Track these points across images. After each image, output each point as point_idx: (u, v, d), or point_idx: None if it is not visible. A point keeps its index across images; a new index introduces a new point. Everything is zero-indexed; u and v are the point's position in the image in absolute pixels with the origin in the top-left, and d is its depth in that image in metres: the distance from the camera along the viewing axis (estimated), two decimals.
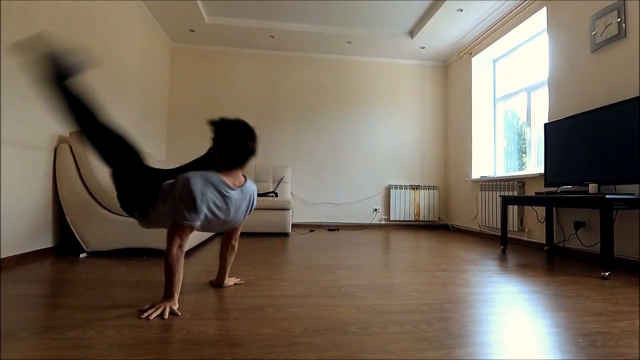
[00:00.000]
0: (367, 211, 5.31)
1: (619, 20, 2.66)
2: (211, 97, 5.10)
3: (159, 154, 4.73)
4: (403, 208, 5.25)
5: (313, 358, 1.04)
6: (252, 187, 1.62)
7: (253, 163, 5.05)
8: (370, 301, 1.61)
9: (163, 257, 2.50)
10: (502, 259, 2.81)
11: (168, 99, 5.02)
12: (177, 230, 1.42)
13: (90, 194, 2.58)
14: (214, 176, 1.46)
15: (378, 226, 5.29)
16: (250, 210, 1.65)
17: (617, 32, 2.67)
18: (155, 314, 1.34)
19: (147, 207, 1.56)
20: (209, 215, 1.45)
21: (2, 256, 2.13)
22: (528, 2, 3.64)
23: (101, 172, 2.63)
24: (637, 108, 2.31)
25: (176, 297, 1.43)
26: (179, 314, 1.37)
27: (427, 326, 1.31)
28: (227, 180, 1.50)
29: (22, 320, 1.29)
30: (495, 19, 4.11)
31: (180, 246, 1.42)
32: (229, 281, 1.84)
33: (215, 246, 3.15)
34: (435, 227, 5.36)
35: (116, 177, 1.56)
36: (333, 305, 1.54)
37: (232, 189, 1.50)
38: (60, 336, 1.15)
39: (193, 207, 1.39)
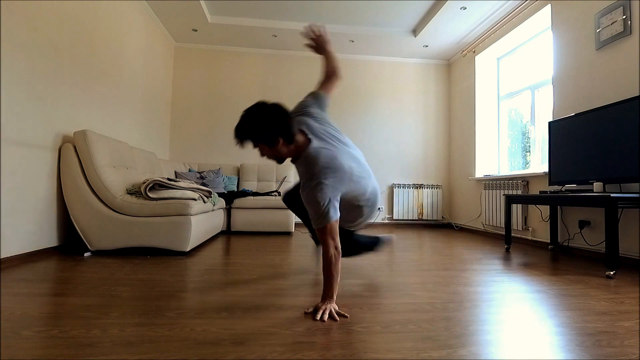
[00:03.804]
0: None
1: (624, 17, 2.63)
2: (214, 96, 5.11)
3: (162, 153, 4.75)
4: (406, 207, 5.24)
5: (316, 357, 1.04)
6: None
7: (255, 162, 5.05)
8: (373, 300, 1.61)
9: (175, 256, 2.53)
10: (506, 258, 2.79)
11: (171, 98, 5.04)
12: (330, 230, 1.35)
13: (95, 193, 2.59)
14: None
15: (381, 225, 5.28)
16: None
17: (623, 29, 2.64)
18: (326, 316, 1.32)
19: None
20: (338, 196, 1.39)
21: (7, 255, 2.14)
22: (532, 0, 3.62)
23: (105, 172, 2.64)
24: None
25: (335, 297, 1.41)
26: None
27: (431, 325, 1.31)
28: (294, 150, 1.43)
29: (26, 318, 1.30)
30: (499, 17, 4.09)
31: (336, 247, 1.37)
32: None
33: (218, 245, 3.16)
34: (439, 226, 5.34)
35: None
36: (336, 303, 1.54)
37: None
38: (64, 335, 1.16)
39: (328, 197, 1.33)
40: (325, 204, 1.32)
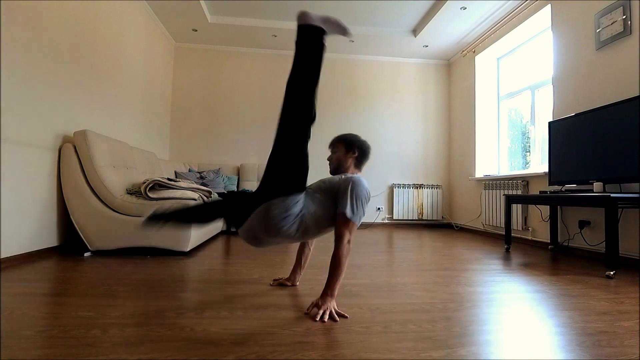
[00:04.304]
0: (370, 210, 5.30)
1: (624, 17, 2.63)
2: (214, 96, 5.11)
3: (162, 153, 4.75)
4: (406, 207, 5.24)
5: (315, 357, 1.04)
6: None
7: (255, 162, 5.05)
8: (374, 300, 1.61)
9: (175, 256, 2.53)
10: (506, 258, 2.79)
11: (171, 98, 5.04)
12: (351, 226, 1.47)
13: (95, 193, 2.59)
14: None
15: (381, 225, 5.28)
16: None
17: (622, 29, 2.64)
18: (327, 317, 1.35)
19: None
20: None
21: (7, 255, 2.14)
22: (532, 0, 3.62)
23: (105, 172, 2.64)
24: None
25: (335, 295, 1.46)
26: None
27: (431, 325, 1.31)
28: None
29: (26, 318, 1.30)
30: (499, 17, 4.08)
31: (349, 241, 1.47)
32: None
33: (218, 245, 3.16)
34: (439, 226, 5.34)
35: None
36: (336, 304, 1.54)
37: None
38: (64, 334, 1.16)
39: (364, 208, 1.53)
40: (362, 207, 1.51)
